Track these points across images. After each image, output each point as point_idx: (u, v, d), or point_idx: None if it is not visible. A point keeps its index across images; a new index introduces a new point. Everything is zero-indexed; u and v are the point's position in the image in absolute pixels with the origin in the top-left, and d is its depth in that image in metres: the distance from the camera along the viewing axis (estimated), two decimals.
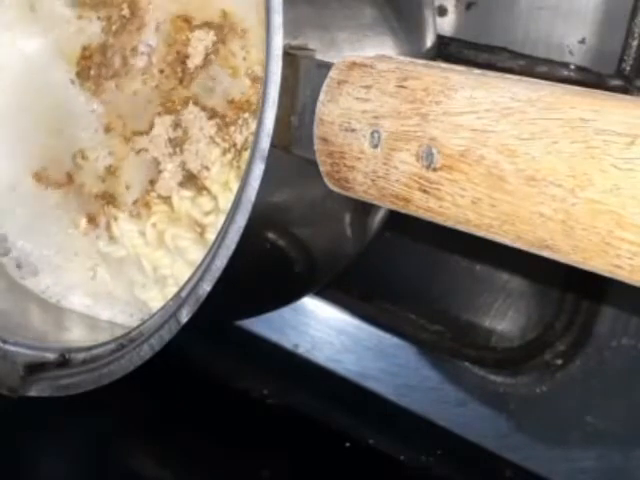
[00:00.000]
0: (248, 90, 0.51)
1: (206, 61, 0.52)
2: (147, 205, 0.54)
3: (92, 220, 0.56)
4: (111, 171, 0.56)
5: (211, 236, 0.52)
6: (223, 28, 0.51)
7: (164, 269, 0.53)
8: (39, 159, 0.58)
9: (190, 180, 0.53)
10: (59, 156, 0.57)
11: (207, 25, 0.52)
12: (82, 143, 0.57)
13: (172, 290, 0.50)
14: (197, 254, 0.51)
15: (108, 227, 0.56)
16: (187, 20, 0.52)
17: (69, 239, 0.57)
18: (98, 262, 0.56)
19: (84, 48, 0.56)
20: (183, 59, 0.53)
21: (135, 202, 0.55)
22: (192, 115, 0.53)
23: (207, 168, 0.52)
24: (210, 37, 0.52)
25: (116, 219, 0.55)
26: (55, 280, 0.57)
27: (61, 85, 0.57)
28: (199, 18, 0.52)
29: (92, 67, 0.56)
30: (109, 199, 0.56)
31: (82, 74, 0.56)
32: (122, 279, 0.55)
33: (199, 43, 0.52)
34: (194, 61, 0.52)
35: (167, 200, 0.54)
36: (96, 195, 0.56)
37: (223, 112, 0.52)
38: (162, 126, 0.54)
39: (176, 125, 0.54)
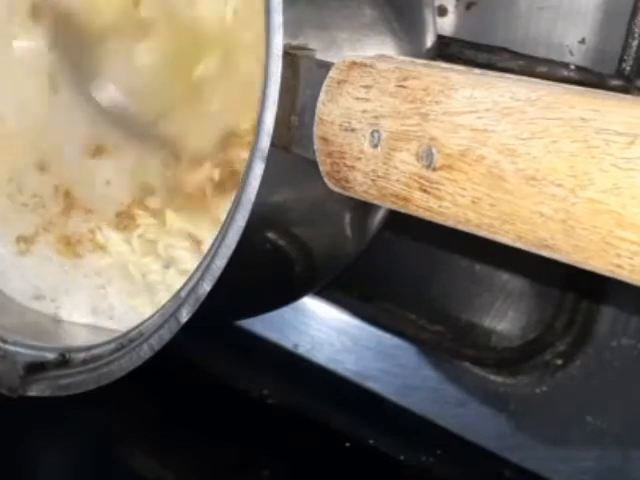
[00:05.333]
0: None
1: None
2: (132, 218, 0.53)
3: (67, 242, 0.55)
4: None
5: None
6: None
7: (154, 275, 0.53)
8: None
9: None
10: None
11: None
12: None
13: (163, 296, 0.49)
14: (193, 264, 0.50)
15: (92, 237, 0.54)
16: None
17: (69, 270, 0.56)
18: (106, 278, 0.55)
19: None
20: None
21: (119, 214, 0.54)
22: None
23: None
24: None
25: (100, 228, 0.54)
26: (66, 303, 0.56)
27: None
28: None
29: None
30: (88, 211, 0.55)
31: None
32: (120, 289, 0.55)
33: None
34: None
35: (158, 214, 0.52)
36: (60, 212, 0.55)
37: None
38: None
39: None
